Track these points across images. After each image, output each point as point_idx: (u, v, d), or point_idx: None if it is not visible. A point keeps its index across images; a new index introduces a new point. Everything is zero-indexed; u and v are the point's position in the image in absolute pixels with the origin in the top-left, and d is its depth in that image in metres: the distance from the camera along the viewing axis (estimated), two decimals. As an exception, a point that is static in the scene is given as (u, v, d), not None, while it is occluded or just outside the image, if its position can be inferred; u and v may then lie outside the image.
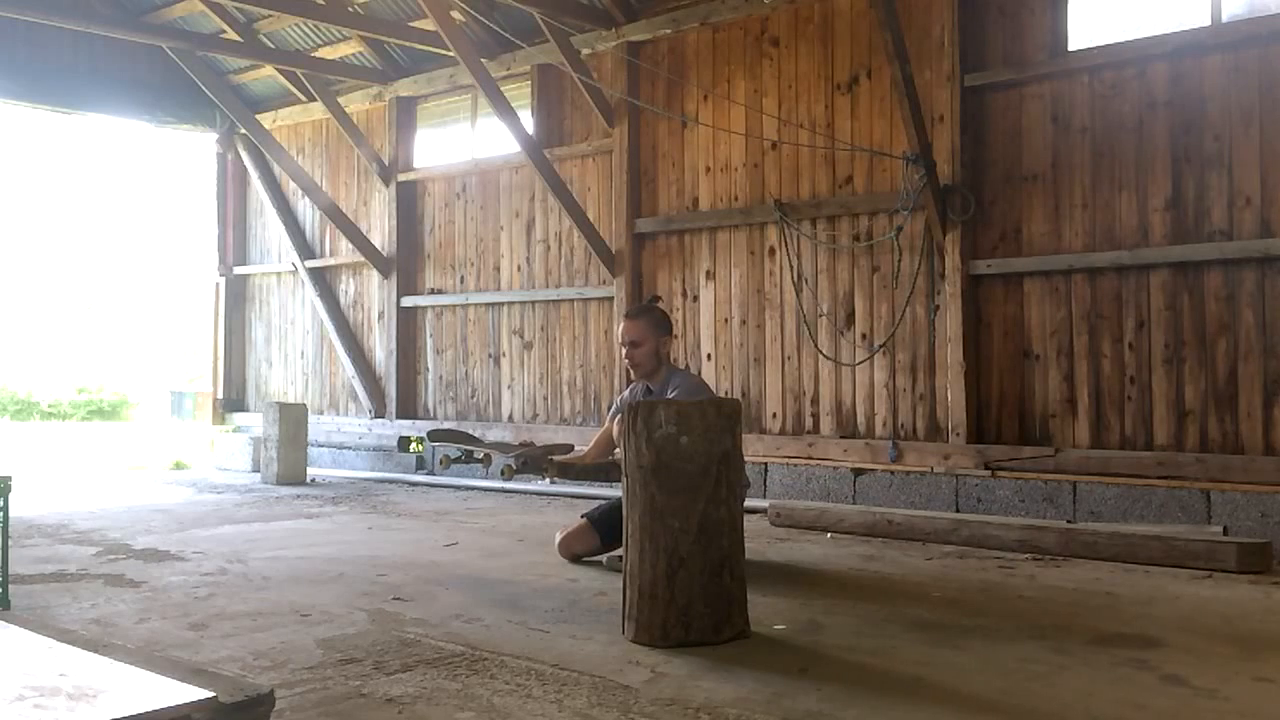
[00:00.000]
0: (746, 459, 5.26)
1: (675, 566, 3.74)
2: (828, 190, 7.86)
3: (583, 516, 5.50)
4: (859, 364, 7.66)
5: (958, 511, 6.84)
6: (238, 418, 12.47)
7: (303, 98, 11.30)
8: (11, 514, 4.16)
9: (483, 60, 9.03)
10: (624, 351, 5.42)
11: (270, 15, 9.96)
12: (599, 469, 5.43)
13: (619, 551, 4.21)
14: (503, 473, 5.28)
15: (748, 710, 3.00)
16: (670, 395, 5.08)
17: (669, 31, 8.59)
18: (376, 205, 11.06)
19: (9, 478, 4.06)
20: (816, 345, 7.86)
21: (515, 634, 3.90)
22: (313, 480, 9.91)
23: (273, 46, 10.91)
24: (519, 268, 9.88)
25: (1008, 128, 7.09)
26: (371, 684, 3.24)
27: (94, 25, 9.46)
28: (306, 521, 7.17)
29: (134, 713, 2.33)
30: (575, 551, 5.43)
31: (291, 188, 11.72)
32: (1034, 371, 6.96)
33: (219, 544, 6.08)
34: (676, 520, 3.75)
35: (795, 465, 7.80)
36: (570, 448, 6.02)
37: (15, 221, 32.21)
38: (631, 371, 5.49)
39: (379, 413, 10.92)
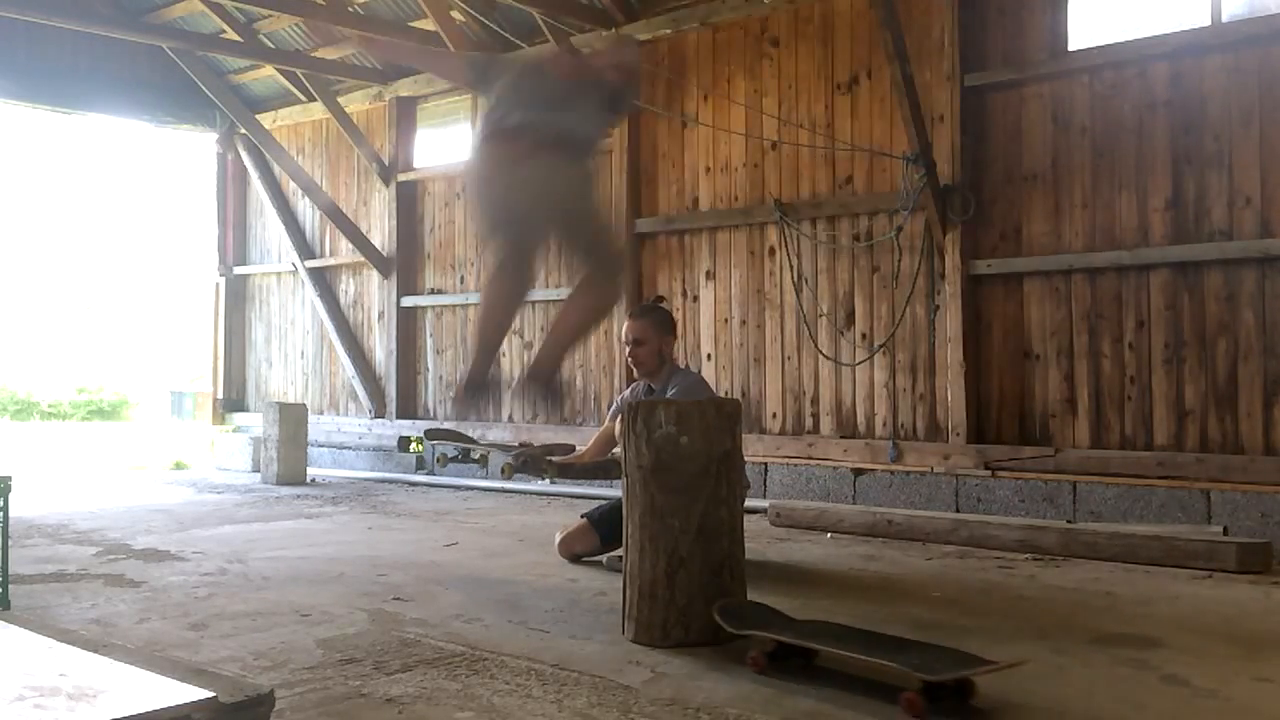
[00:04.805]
0: (746, 459, 5.25)
1: (675, 566, 3.74)
2: (828, 190, 7.86)
3: (583, 516, 5.50)
4: (859, 364, 7.66)
5: (958, 511, 6.84)
6: (238, 418, 12.46)
7: (303, 98, 11.30)
8: (11, 514, 4.16)
9: (483, 60, 9.02)
10: (628, 350, 5.45)
11: (270, 15, 9.96)
12: (598, 467, 5.45)
13: (619, 551, 4.20)
14: (502, 471, 5.29)
15: (748, 710, 3.00)
16: (671, 395, 5.09)
17: (669, 32, 8.59)
18: (376, 205, 11.05)
19: (9, 478, 4.05)
20: (816, 345, 7.86)
21: (515, 634, 3.89)
22: (313, 480, 9.91)
23: (273, 46, 10.90)
24: (519, 268, 9.86)
25: (1008, 128, 7.09)
26: (371, 684, 3.24)
27: (94, 25, 9.46)
28: (306, 521, 7.17)
29: (134, 713, 2.32)
30: (575, 551, 5.43)
31: (291, 188, 11.72)
32: (1034, 371, 6.95)
33: (219, 544, 6.07)
34: (676, 520, 3.75)
35: (795, 465, 7.80)
36: (571, 448, 6.02)
37: (15, 221, 32.22)
38: (635, 370, 5.52)
39: (379, 413, 10.92)
